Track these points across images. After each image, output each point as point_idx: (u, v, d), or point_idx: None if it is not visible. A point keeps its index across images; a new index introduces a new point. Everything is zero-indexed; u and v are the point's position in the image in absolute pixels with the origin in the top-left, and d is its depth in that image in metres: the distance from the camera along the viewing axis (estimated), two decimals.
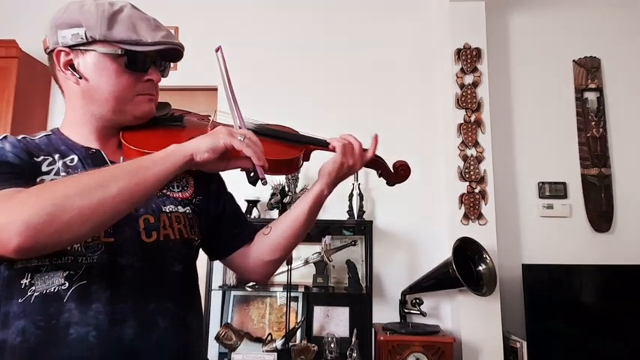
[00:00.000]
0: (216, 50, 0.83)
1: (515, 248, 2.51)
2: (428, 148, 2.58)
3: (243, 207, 2.35)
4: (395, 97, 2.67)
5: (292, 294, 2.37)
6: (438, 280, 2.27)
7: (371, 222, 2.38)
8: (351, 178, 2.36)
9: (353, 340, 2.22)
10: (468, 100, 2.50)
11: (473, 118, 2.48)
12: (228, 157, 0.75)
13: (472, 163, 2.45)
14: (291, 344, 2.23)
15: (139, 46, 0.78)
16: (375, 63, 2.71)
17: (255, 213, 2.43)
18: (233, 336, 2.22)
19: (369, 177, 2.54)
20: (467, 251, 2.24)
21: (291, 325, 2.32)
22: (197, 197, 0.91)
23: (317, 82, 2.70)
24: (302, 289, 2.36)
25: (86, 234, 0.67)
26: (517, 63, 2.70)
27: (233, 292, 2.45)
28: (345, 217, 2.39)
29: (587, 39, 2.68)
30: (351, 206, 2.40)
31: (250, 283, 2.35)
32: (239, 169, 0.79)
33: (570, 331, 2.28)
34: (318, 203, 0.92)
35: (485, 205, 2.41)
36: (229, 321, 2.38)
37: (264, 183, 0.75)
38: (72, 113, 0.85)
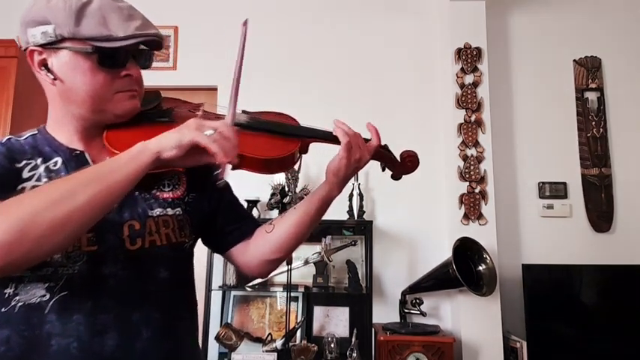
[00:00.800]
0: (243, 24, 0.78)
1: (516, 248, 2.51)
2: (428, 148, 2.58)
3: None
4: (395, 97, 2.67)
5: (292, 294, 2.37)
6: (438, 280, 2.27)
7: (371, 222, 2.38)
8: (351, 178, 2.38)
9: (353, 340, 2.22)
10: (468, 100, 2.50)
11: (473, 118, 2.48)
12: (199, 151, 0.68)
13: (472, 163, 2.45)
14: (291, 344, 2.22)
15: (109, 42, 0.73)
16: (375, 63, 2.71)
17: (255, 213, 2.43)
18: (233, 336, 2.22)
19: (369, 177, 2.54)
20: (467, 251, 2.24)
21: (291, 325, 2.32)
22: (190, 195, 0.87)
23: (317, 82, 2.70)
24: (302, 289, 2.35)
25: (62, 245, 0.65)
26: (517, 63, 2.70)
27: (233, 292, 2.45)
28: (345, 217, 2.39)
29: (587, 39, 2.68)
30: (351, 206, 2.40)
31: (250, 283, 2.34)
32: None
33: (570, 331, 2.28)
34: (325, 204, 0.88)
35: (486, 205, 2.41)
36: (229, 321, 2.38)
37: (220, 184, 0.72)
38: (54, 113, 0.82)
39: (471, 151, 2.46)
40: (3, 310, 0.71)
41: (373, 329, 2.28)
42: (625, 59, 2.66)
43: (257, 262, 0.92)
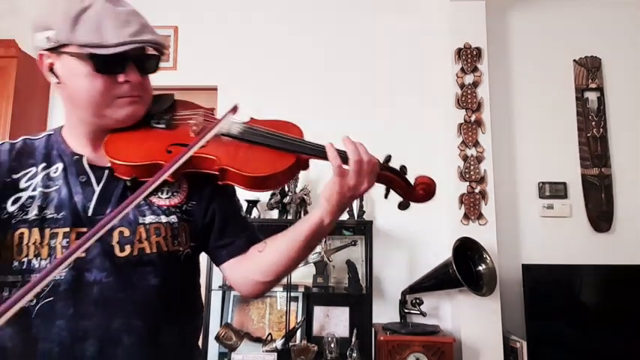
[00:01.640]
0: (232, 110, 0.80)
1: (515, 248, 2.51)
2: (428, 148, 2.58)
3: (243, 207, 2.34)
4: (395, 97, 2.67)
5: (292, 294, 2.37)
6: (438, 280, 2.27)
7: (371, 222, 2.38)
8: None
9: (353, 340, 2.22)
10: (468, 100, 2.50)
11: (473, 118, 2.48)
12: None
13: (472, 163, 2.45)
14: (291, 344, 2.23)
15: (101, 48, 0.72)
16: (375, 63, 2.71)
17: (255, 213, 2.43)
18: (233, 336, 2.22)
19: None
20: (467, 251, 2.24)
21: (291, 325, 2.32)
22: (190, 202, 0.84)
23: (316, 82, 2.69)
24: (302, 289, 2.35)
25: None
26: (517, 63, 2.70)
27: (233, 292, 2.45)
28: (345, 217, 2.39)
29: (587, 39, 2.68)
30: (351, 206, 2.40)
31: None
32: None
33: (570, 331, 2.28)
34: (317, 232, 0.80)
35: (486, 205, 2.40)
36: (229, 321, 2.38)
37: None
38: (66, 116, 0.84)
39: (471, 151, 2.46)
40: None
41: (373, 329, 2.28)
42: (625, 59, 2.66)
43: (246, 282, 0.88)
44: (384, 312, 2.39)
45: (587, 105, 2.62)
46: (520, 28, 2.73)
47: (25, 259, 0.73)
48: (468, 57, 2.53)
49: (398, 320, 2.32)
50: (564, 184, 2.56)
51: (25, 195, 0.76)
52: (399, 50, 2.71)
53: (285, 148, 0.78)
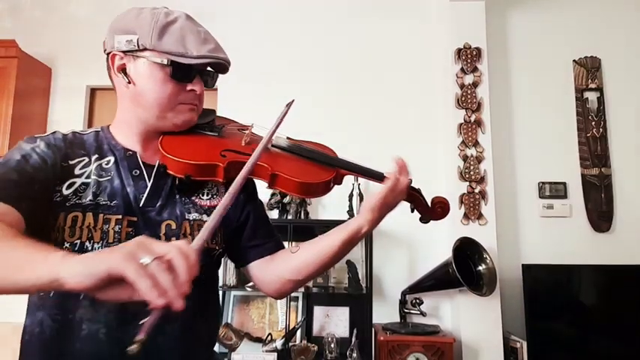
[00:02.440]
0: (287, 105, 0.91)
1: (515, 248, 2.51)
2: (428, 148, 2.58)
3: None
4: (395, 97, 2.67)
5: (292, 294, 2.37)
6: (437, 280, 2.27)
7: None
8: (351, 177, 2.38)
9: (353, 340, 2.22)
10: (468, 100, 2.50)
11: (473, 118, 2.48)
12: (126, 284, 0.53)
13: (472, 163, 2.45)
14: (291, 344, 2.23)
15: (184, 58, 0.81)
16: (375, 63, 2.71)
17: None
18: (233, 336, 2.22)
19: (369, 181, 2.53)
20: (467, 251, 2.23)
21: (291, 325, 2.32)
22: None
23: (316, 82, 2.69)
24: (302, 289, 2.35)
25: None
26: (517, 63, 2.70)
27: (233, 292, 2.45)
28: (345, 217, 2.39)
29: (587, 39, 2.68)
30: (351, 206, 2.40)
31: (250, 283, 2.34)
32: None
33: (570, 331, 2.28)
34: (353, 239, 0.88)
35: (486, 205, 2.40)
36: (229, 321, 2.38)
37: (131, 351, 0.53)
38: (120, 114, 0.89)
39: (471, 151, 2.46)
40: (41, 293, 0.77)
41: (373, 329, 2.28)
42: (625, 59, 2.66)
43: (275, 280, 0.93)
44: (384, 312, 2.39)
45: (587, 105, 2.62)
46: (520, 28, 2.73)
47: (78, 241, 0.77)
48: (468, 57, 2.53)
49: (398, 320, 2.32)
50: (564, 184, 2.56)
51: (79, 181, 0.81)
52: (399, 50, 2.71)
53: (326, 162, 0.90)
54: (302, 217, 2.43)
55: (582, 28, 2.70)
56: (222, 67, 0.87)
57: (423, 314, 2.25)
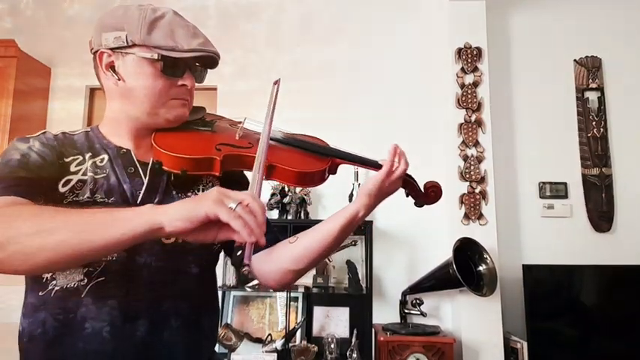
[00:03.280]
0: (275, 83, 0.89)
1: (516, 248, 2.51)
2: (428, 148, 2.58)
3: None
4: (395, 97, 2.67)
5: (292, 294, 2.37)
6: (438, 281, 2.27)
7: (371, 222, 2.38)
8: (351, 177, 2.38)
9: (353, 340, 2.22)
10: (468, 100, 2.49)
11: (473, 118, 2.48)
12: (218, 227, 0.63)
13: (472, 163, 2.44)
14: (291, 345, 2.22)
15: (174, 52, 0.81)
16: (375, 62, 2.70)
17: None
18: (233, 336, 2.22)
19: (368, 176, 2.53)
20: (467, 251, 2.23)
21: (291, 326, 2.32)
22: None
23: (316, 82, 2.69)
24: (302, 289, 2.35)
25: (31, 270, 0.68)
26: (518, 63, 2.69)
27: (233, 293, 2.45)
28: None
29: (588, 39, 2.67)
30: None
31: (250, 284, 2.34)
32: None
33: (571, 332, 2.27)
34: (351, 224, 0.88)
35: (486, 205, 2.40)
36: (229, 321, 2.38)
37: (246, 272, 0.69)
38: (110, 112, 0.88)
39: (471, 151, 2.45)
40: (40, 293, 0.76)
41: (373, 329, 2.28)
42: (625, 59, 2.66)
43: (275, 271, 0.92)
44: (384, 312, 2.39)
45: (587, 105, 2.62)
46: (520, 27, 2.72)
47: None
48: (468, 57, 2.53)
49: (398, 321, 2.32)
50: (565, 184, 2.55)
51: (75, 178, 0.80)
52: (399, 50, 2.71)
53: (321, 152, 0.91)
54: (302, 217, 2.43)
55: (583, 27, 2.69)
56: (213, 60, 0.87)
57: (423, 315, 2.24)
